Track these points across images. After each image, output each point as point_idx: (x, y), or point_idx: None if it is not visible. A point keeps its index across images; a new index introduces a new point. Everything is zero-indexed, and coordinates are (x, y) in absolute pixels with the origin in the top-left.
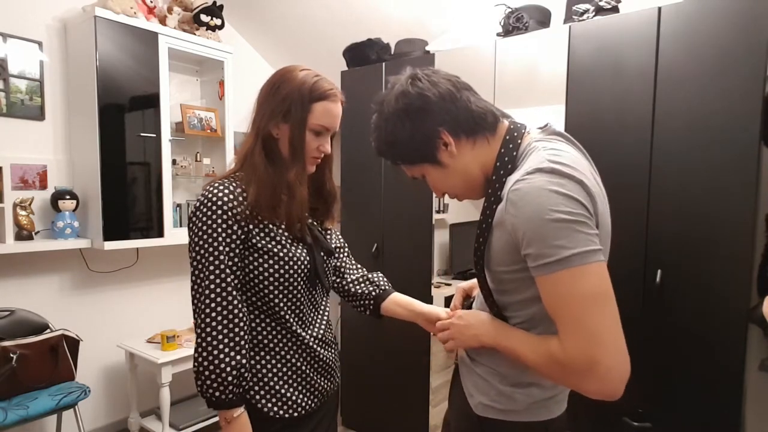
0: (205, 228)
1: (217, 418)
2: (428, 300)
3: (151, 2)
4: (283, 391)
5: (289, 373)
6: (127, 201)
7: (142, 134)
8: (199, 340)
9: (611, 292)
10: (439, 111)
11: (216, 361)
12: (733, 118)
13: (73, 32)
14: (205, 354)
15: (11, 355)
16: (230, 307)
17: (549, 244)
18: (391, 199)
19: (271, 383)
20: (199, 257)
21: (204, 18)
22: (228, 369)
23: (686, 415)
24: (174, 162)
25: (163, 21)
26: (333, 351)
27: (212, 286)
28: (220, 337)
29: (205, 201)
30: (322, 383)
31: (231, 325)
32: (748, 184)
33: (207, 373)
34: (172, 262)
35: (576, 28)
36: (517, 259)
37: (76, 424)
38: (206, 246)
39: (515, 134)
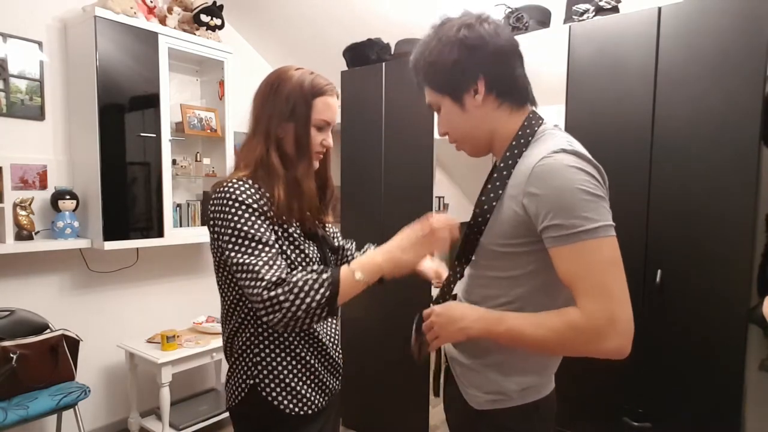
0: (239, 213)
1: (217, 418)
2: (428, 300)
3: (151, 2)
4: (297, 387)
5: (303, 370)
6: (127, 201)
7: (142, 134)
8: (251, 290)
9: (621, 261)
10: (486, 61)
11: (283, 297)
12: (733, 118)
13: (73, 32)
14: (267, 300)
15: (11, 355)
16: (271, 252)
17: (578, 215)
18: (391, 199)
19: (287, 380)
20: (231, 230)
21: (204, 18)
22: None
23: (686, 415)
24: (174, 162)
25: (163, 21)
26: (339, 350)
27: (249, 241)
28: (267, 275)
29: (229, 196)
30: (331, 381)
31: (272, 263)
32: (748, 184)
33: (283, 310)
34: (172, 262)
35: (576, 28)
36: (520, 233)
37: (76, 424)
38: (239, 220)
39: (533, 122)
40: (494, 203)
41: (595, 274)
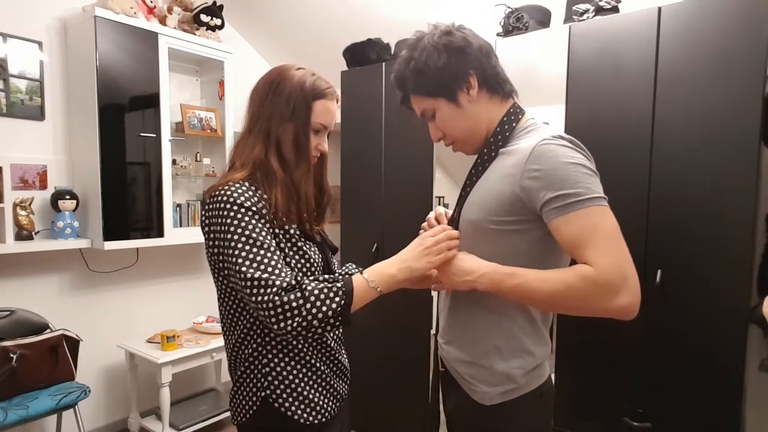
0: (239, 217)
1: (217, 418)
2: (429, 299)
3: (151, 2)
4: (310, 396)
5: (314, 377)
6: (127, 201)
7: (142, 134)
8: (259, 297)
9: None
10: (474, 57)
11: (293, 303)
12: (733, 118)
13: (73, 32)
14: (273, 306)
15: (11, 355)
16: (270, 255)
17: (581, 186)
18: (391, 199)
19: (299, 389)
20: (232, 234)
21: (204, 18)
22: (299, 294)
23: (686, 415)
24: (174, 162)
25: (163, 21)
26: (345, 353)
27: (248, 246)
28: (278, 282)
29: (226, 199)
30: (341, 386)
31: (281, 267)
32: (748, 184)
33: (297, 317)
34: (172, 262)
35: (576, 28)
36: (513, 211)
37: (76, 424)
38: (239, 224)
39: (517, 111)
40: (470, 189)
41: (603, 235)
